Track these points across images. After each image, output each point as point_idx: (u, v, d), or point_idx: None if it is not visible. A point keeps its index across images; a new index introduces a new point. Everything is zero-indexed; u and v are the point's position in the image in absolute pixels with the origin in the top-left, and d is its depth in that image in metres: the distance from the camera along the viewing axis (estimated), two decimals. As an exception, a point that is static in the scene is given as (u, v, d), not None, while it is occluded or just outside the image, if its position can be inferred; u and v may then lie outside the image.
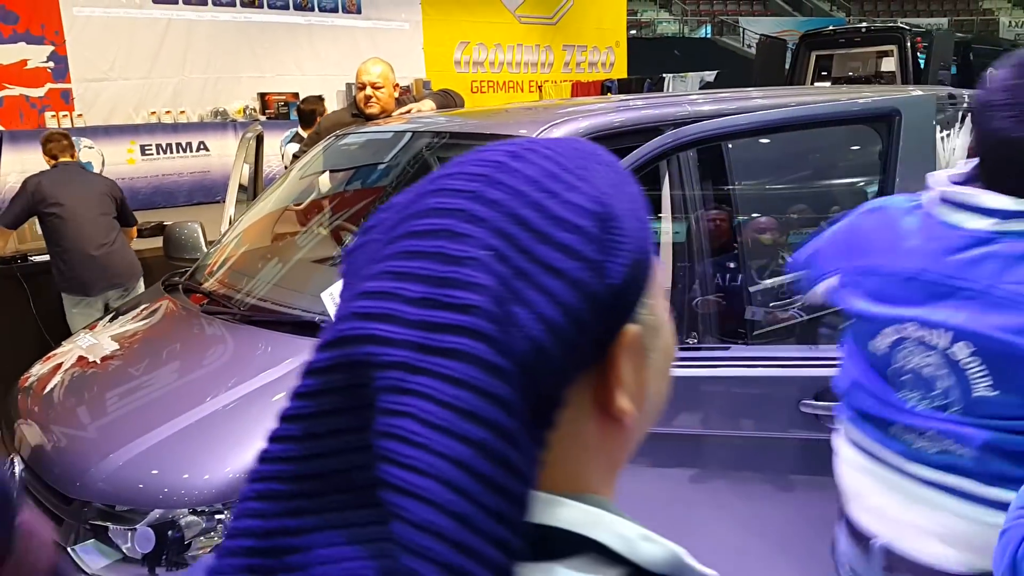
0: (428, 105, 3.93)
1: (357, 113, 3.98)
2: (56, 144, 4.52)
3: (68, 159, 4.55)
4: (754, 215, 3.38)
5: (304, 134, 5.77)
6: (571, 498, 0.48)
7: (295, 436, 0.46)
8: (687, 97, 3.30)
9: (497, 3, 12.53)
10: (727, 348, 2.17)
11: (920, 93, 3.09)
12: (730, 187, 3.12)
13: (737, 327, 2.47)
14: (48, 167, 4.52)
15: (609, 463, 0.53)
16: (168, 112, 9.07)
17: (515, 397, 0.43)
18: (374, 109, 3.88)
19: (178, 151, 8.87)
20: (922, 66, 8.13)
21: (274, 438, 0.46)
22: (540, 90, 13.18)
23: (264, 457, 0.47)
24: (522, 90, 13.05)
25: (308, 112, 6.01)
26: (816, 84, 8.79)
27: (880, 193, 2.18)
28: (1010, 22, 27.26)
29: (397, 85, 4.05)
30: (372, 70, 3.95)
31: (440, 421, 0.42)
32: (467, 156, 0.51)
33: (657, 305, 0.53)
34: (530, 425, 0.44)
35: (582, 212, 0.47)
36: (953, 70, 8.44)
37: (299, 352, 2.15)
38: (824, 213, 3.70)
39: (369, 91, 3.90)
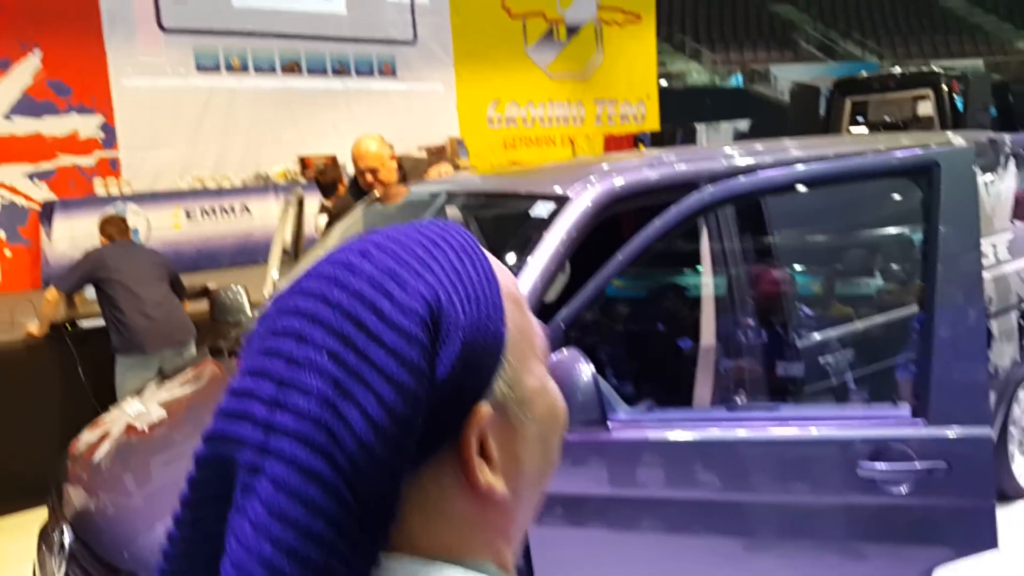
0: (448, 169, 4.08)
1: (364, 193, 4.10)
2: (115, 227, 4.93)
3: (124, 239, 4.94)
4: (797, 267, 3.35)
5: (328, 204, 5.79)
6: (449, 562, 0.51)
7: (185, 521, 0.51)
8: (722, 151, 3.30)
9: (528, 61, 12.75)
10: (775, 408, 2.12)
11: (959, 142, 3.06)
12: (770, 239, 3.09)
13: (785, 384, 2.42)
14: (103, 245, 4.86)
15: (496, 532, 0.55)
16: (212, 177, 9.31)
17: (329, 501, 0.46)
18: (380, 190, 4.03)
19: (221, 214, 9.07)
20: (960, 109, 8.07)
21: (174, 521, 0.51)
22: (572, 144, 13.29)
23: (168, 538, 0.51)
24: (555, 144, 13.17)
25: (329, 183, 5.99)
26: (852, 129, 8.76)
27: (925, 243, 2.13)
28: (1047, 61, 26.99)
29: (394, 156, 4.20)
30: (368, 152, 4.07)
31: (258, 519, 0.46)
32: (331, 254, 0.54)
33: (527, 374, 0.56)
34: (359, 519, 0.47)
35: (411, 314, 0.50)
36: (992, 112, 8.35)
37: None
38: (870, 263, 3.64)
39: (370, 177, 4.02)
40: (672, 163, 3.01)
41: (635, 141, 12.54)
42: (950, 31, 28.60)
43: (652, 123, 14.32)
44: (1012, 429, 3.76)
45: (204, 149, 9.42)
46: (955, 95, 8.16)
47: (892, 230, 3.59)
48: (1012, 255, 3.85)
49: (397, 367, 0.48)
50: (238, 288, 3.89)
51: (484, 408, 0.52)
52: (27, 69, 8.26)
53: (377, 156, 4.03)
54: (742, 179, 2.18)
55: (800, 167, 2.24)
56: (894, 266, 3.56)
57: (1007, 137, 4.19)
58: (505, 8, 12.30)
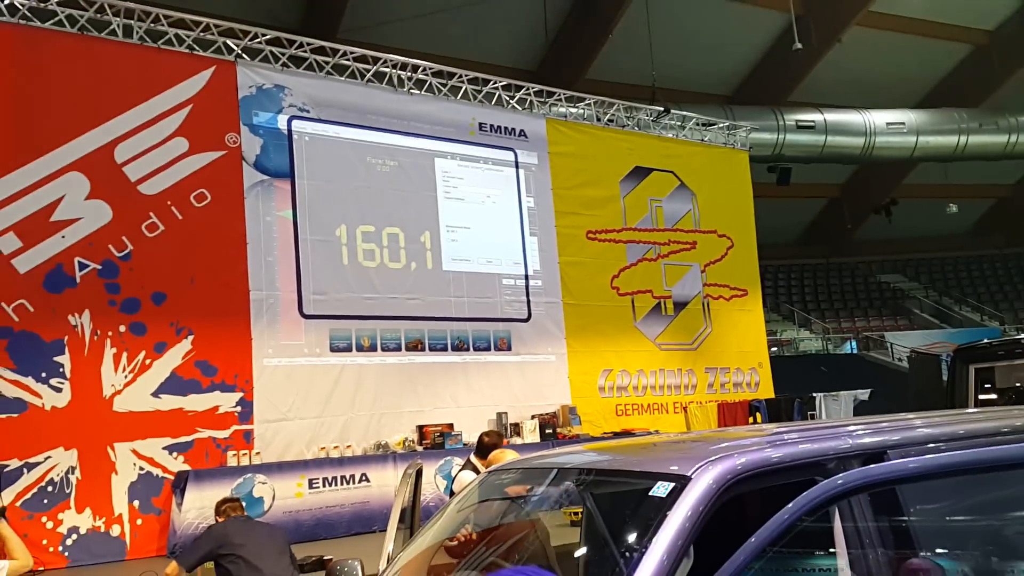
0: (511, 455, 4.39)
1: None
2: (231, 506, 5.26)
3: (240, 516, 5.20)
4: (941, 550, 3.11)
5: (477, 463, 5.97)
6: None
7: None
8: (846, 428, 3.25)
9: (637, 333, 13.16)
10: None
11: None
12: (911, 518, 2.92)
13: None
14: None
15: None
16: (336, 447, 9.66)
17: None
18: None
19: (342, 483, 9.29)
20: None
21: None
22: (685, 411, 13.21)
23: None
24: (667, 412, 13.13)
25: (489, 445, 6.23)
26: (981, 398, 8.40)
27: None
28: None
29: None
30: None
31: None
32: None
33: None
34: None
35: None
36: None
37: None
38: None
39: None
40: (796, 442, 2.98)
41: (750, 409, 12.35)
42: (1071, 294, 27.88)
43: (766, 391, 14.16)
44: None
45: (331, 421, 9.91)
46: (1091, 361, 7.81)
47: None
48: None
49: None
50: (354, 563, 3.88)
51: None
52: (179, 351, 9.14)
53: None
54: (875, 468, 2.16)
55: (934, 456, 2.21)
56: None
57: None
58: (614, 287, 13.00)
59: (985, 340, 11.01)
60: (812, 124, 20.38)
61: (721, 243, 14.37)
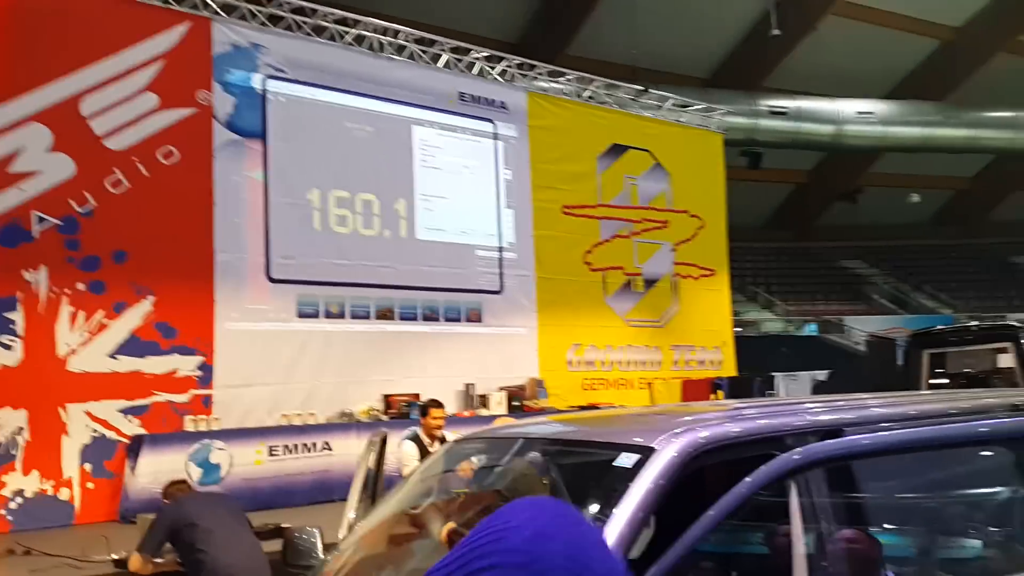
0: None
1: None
2: (178, 488, 5.22)
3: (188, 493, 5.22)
4: (892, 527, 3.20)
5: (422, 435, 6.05)
6: None
7: None
8: (804, 406, 3.32)
9: (607, 309, 13.24)
10: None
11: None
12: (860, 497, 3.00)
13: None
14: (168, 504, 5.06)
15: None
16: (299, 415, 9.55)
17: None
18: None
19: (303, 451, 9.22)
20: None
21: None
22: (650, 387, 13.37)
23: None
24: (633, 387, 13.27)
25: (428, 404, 6.41)
26: (932, 381, 8.67)
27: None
28: None
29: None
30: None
31: None
32: None
33: None
34: None
35: None
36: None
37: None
38: (968, 524, 3.44)
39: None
40: (756, 417, 3.04)
41: (713, 387, 12.54)
42: (1021, 285, 28.63)
43: (729, 369, 14.37)
44: None
45: (295, 388, 9.80)
46: (1034, 349, 8.09)
47: (990, 489, 3.43)
48: None
49: None
50: (313, 530, 3.82)
51: None
52: (138, 312, 8.89)
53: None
54: (831, 443, 2.21)
55: (889, 435, 2.27)
56: (992, 528, 3.36)
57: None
58: (586, 263, 13.05)
59: (938, 327, 11.26)
60: (785, 110, 20.54)
61: (692, 223, 14.46)
